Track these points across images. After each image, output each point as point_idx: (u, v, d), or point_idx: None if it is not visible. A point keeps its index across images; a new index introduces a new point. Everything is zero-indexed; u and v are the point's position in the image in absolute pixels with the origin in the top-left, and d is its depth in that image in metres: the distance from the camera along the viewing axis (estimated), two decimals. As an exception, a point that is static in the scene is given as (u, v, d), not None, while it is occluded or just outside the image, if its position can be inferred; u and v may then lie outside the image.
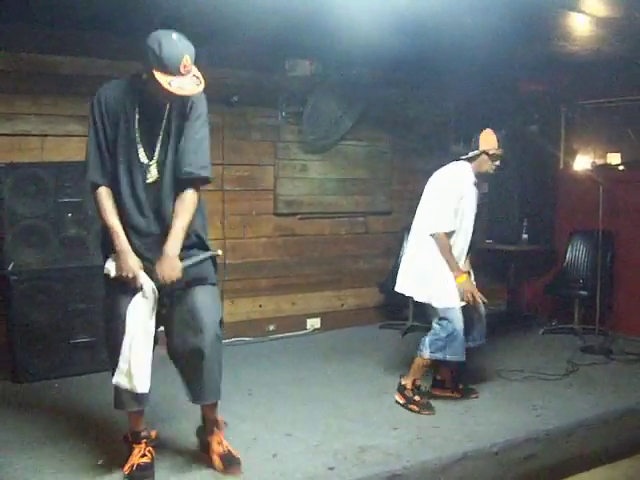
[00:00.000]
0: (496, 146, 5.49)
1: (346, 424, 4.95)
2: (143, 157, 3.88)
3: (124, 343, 3.84)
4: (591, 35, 6.23)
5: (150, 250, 3.91)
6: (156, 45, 3.65)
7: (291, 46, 6.65)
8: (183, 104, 3.88)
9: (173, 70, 3.62)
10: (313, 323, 7.75)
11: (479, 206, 5.63)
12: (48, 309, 5.80)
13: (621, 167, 7.84)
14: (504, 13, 5.24)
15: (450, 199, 5.30)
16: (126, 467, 4.04)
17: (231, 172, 6.93)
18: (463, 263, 5.43)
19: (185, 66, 3.65)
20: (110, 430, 4.74)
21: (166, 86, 3.62)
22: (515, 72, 7.96)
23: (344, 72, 7.24)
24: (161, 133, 3.90)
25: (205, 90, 3.80)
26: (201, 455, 4.29)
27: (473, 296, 5.20)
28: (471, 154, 5.49)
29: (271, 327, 7.41)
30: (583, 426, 5.06)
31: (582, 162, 7.91)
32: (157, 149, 3.90)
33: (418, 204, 5.53)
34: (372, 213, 7.93)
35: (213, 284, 4.12)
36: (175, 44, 3.66)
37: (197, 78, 3.72)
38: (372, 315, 7.97)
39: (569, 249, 8.08)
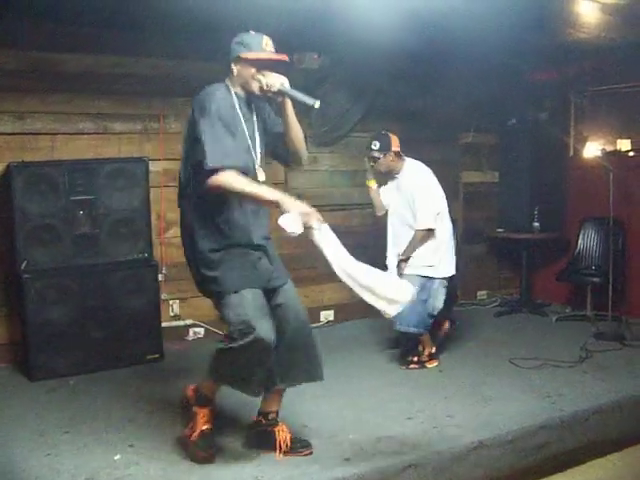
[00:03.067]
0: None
1: (361, 415, 4.96)
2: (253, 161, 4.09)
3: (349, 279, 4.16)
4: (599, 22, 6.22)
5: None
6: (237, 39, 3.97)
7: (299, 39, 6.63)
8: (263, 108, 4.19)
9: (258, 48, 3.93)
10: (327, 315, 7.77)
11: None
12: (61, 307, 5.82)
13: (631, 153, 7.81)
14: (512, 2, 5.23)
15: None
16: (192, 433, 4.18)
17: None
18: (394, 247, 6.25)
19: (267, 44, 3.96)
20: (126, 426, 4.78)
21: (261, 54, 3.93)
22: (524, 61, 7.93)
23: (352, 65, 7.23)
24: (257, 136, 4.12)
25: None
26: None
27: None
28: None
29: (284, 320, 7.41)
30: (598, 412, 5.05)
31: (592, 149, 7.87)
32: (258, 151, 4.12)
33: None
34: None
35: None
36: (252, 33, 3.99)
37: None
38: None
39: (581, 236, 8.07)
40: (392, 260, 6.20)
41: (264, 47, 3.95)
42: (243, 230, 4.05)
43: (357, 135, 7.67)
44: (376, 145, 6.04)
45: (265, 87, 3.95)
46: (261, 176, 4.08)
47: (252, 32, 4.00)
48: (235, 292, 3.94)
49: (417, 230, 6.05)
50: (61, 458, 4.27)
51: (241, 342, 3.83)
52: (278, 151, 4.30)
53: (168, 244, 6.72)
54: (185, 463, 4.18)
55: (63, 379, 5.74)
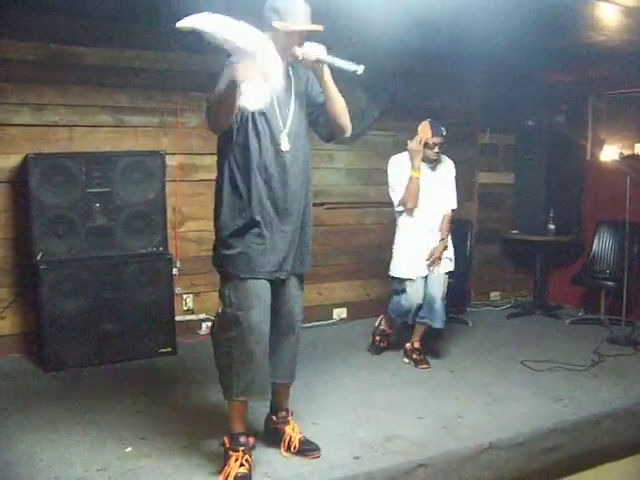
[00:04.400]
0: (430, 135, 5.96)
1: (372, 413, 4.96)
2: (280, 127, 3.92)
3: None
4: (619, 25, 6.19)
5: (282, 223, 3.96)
6: (271, 3, 3.79)
7: (317, 37, 6.63)
8: (305, 77, 4.06)
9: (292, 17, 3.75)
10: (339, 313, 7.77)
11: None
12: (76, 298, 5.84)
13: (649, 157, 7.79)
14: (530, 3, 5.21)
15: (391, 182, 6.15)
16: (223, 478, 3.88)
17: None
18: (431, 232, 6.09)
19: (303, 12, 3.78)
20: (138, 419, 4.80)
21: (295, 26, 3.73)
22: (542, 63, 7.90)
23: (369, 63, 7.21)
24: (292, 104, 3.99)
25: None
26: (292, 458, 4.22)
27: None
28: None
29: (298, 317, 7.41)
30: (610, 417, 5.04)
31: (609, 152, 7.86)
32: (288, 120, 3.96)
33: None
34: (399, 203, 7.89)
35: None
36: None
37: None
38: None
39: (596, 240, 8.04)
40: (430, 244, 6.07)
41: (299, 16, 3.76)
42: (265, 209, 3.90)
43: (374, 133, 7.69)
44: (445, 131, 6.03)
45: (301, 57, 3.81)
46: (284, 145, 3.89)
47: None
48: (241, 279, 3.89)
49: (453, 210, 6.14)
50: (74, 449, 4.29)
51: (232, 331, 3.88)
52: (319, 123, 4.13)
53: (183, 238, 6.74)
54: (196, 457, 4.19)
55: (76, 370, 5.76)
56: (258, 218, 3.86)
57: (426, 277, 6.06)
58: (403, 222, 6.13)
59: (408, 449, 4.34)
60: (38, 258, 5.72)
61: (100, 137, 6.32)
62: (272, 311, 4.00)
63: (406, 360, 6.19)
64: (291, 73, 3.99)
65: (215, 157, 4.01)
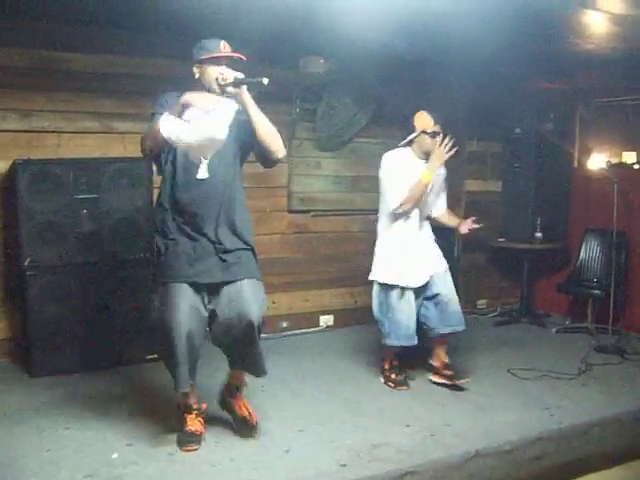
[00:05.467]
0: (432, 124, 5.60)
1: (359, 421, 4.97)
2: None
3: None
4: (607, 33, 6.20)
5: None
6: (197, 44, 4.34)
7: (305, 43, 6.65)
8: (240, 120, 4.30)
9: (216, 50, 4.26)
10: (326, 320, 7.74)
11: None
12: (64, 304, 5.83)
13: (636, 166, 7.80)
14: (517, 11, 5.23)
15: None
16: (178, 434, 4.51)
17: (245, 169, 6.89)
18: (421, 229, 5.79)
19: (225, 47, 4.29)
20: (124, 425, 4.79)
21: (217, 54, 4.25)
22: (530, 70, 7.93)
23: (357, 70, 7.23)
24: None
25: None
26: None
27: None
28: (410, 137, 5.67)
29: (284, 324, 7.41)
30: (596, 425, 5.06)
31: (597, 161, 7.88)
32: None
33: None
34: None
35: (258, 279, 4.53)
36: (210, 39, 4.32)
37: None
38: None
39: (583, 248, 8.06)
40: (421, 249, 5.74)
41: (221, 49, 4.28)
42: (191, 218, 4.35)
43: (361, 141, 7.68)
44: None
45: (221, 81, 4.21)
46: (202, 174, 4.29)
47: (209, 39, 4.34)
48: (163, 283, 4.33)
49: (446, 210, 6.03)
50: (61, 455, 4.29)
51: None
52: (255, 151, 4.49)
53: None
54: (182, 464, 4.19)
55: (63, 376, 5.75)
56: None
57: (425, 284, 5.65)
58: (397, 224, 5.66)
59: (395, 457, 4.35)
60: (26, 263, 5.70)
61: (88, 143, 6.31)
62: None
63: (438, 380, 5.77)
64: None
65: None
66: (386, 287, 5.68)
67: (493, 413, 5.17)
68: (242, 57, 4.28)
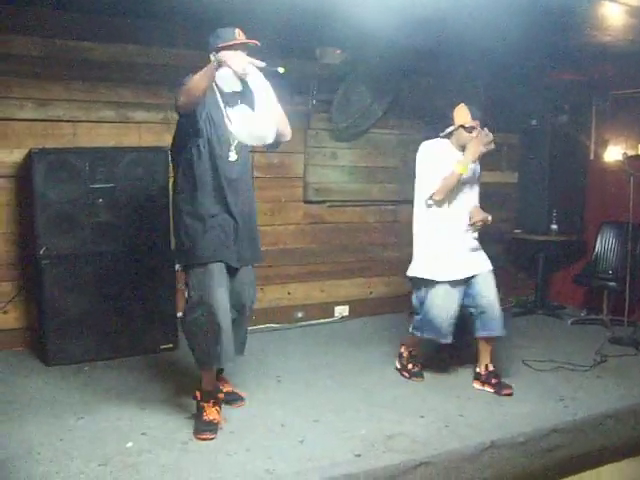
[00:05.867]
0: (470, 119, 5.49)
1: (373, 411, 4.97)
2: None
3: None
4: (624, 25, 6.18)
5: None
6: (213, 33, 4.46)
7: (322, 34, 6.63)
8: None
9: (231, 38, 4.36)
10: (341, 310, 7.75)
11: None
12: (79, 293, 5.85)
13: (653, 158, 7.77)
14: (535, 2, 5.21)
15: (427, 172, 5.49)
16: (195, 423, 4.55)
17: (261, 159, 6.92)
18: (464, 229, 5.51)
19: (240, 34, 4.39)
20: (138, 414, 4.81)
21: (232, 42, 4.34)
22: (546, 62, 7.90)
23: (373, 61, 7.21)
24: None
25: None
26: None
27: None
28: (448, 130, 5.56)
29: (300, 314, 7.42)
30: (611, 417, 5.04)
31: (613, 153, 7.84)
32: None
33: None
34: (402, 201, 7.72)
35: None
36: (225, 28, 4.43)
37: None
38: (400, 303, 7.91)
39: (599, 240, 8.03)
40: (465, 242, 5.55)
41: (237, 37, 4.38)
42: (227, 198, 4.51)
43: (377, 132, 7.65)
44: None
45: (240, 67, 4.22)
46: (232, 157, 4.51)
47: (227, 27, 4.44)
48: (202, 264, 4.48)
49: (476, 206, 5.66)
50: (75, 443, 4.30)
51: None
52: None
53: (186, 234, 6.73)
54: (196, 452, 4.20)
55: (78, 365, 5.78)
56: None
57: (469, 280, 5.51)
58: (434, 215, 5.44)
59: (409, 447, 4.34)
60: (41, 253, 5.72)
61: (104, 133, 6.32)
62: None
63: (482, 388, 5.53)
64: (245, 94, 4.48)
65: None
66: (424, 282, 5.49)
67: (508, 404, 5.16)
68: (257, 43, 4.39)
